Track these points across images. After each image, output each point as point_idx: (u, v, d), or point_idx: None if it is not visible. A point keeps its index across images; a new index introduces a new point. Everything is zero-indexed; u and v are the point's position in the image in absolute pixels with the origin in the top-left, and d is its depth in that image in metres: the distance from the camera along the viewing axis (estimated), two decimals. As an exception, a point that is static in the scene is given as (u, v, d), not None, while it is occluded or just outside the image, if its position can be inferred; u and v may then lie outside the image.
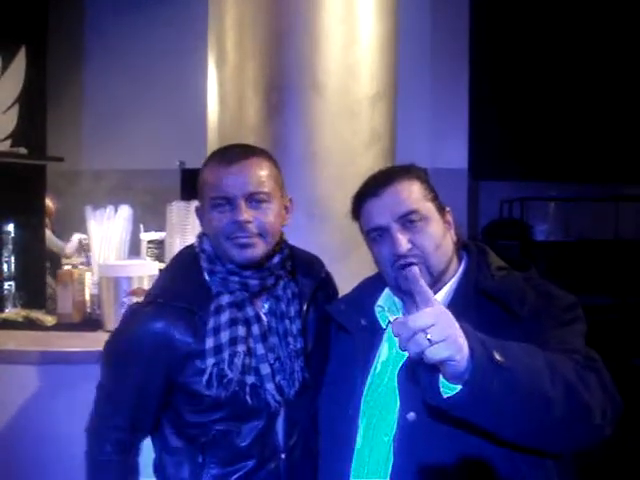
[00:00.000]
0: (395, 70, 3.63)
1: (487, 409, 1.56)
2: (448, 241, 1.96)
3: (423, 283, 1.63)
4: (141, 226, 4.03)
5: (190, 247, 2.18)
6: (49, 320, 3.31)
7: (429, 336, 1.45)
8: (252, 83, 3.42)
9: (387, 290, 2.06)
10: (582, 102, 8.36)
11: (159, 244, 4.01)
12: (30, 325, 3.33)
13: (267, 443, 2.04)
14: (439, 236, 1.92)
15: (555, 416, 1.59)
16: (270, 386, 2.00)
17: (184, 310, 2.00)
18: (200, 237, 2.12)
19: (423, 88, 7.78)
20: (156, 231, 4.07)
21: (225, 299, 2.01)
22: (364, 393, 1.93)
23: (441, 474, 1.78)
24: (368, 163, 3.40)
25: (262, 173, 1.99)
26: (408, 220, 1.89)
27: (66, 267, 3.63)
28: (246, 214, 1.94)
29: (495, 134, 8.18)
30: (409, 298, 1.94)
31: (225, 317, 1.98)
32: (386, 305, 2.03)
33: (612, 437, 1.72)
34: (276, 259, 2.07)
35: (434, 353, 1.45)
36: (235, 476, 2.02)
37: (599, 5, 8.25)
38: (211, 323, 1.98)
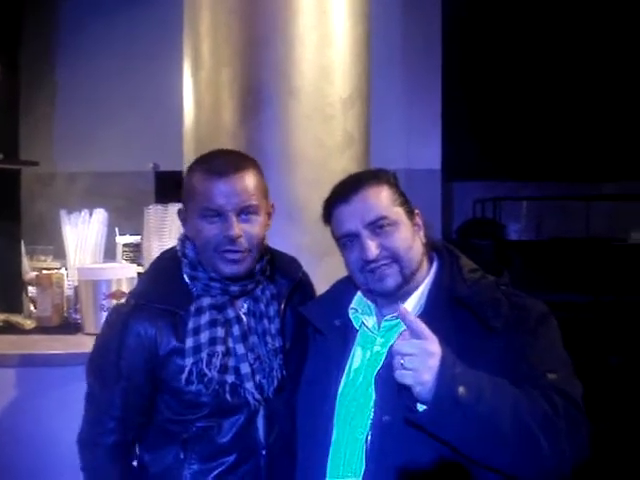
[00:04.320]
0: (369, 73, 3.65)
1: (448, 433, 1.69)
2: (418, 243, 2.00)
3: (413, 318, 1.74)
4: (116, 229, 4.04)
5: (170, 250, 2.21)
6: (28, 324, 3.32)
7: (402, 362, 1.67)
8: (227, 86, 3.44)
9: (360, 292, 2.10)
10: (553, 103, 8.44)
11: (135, 247, 4.02)
12: (10, 329, 3.33)
13: (247, 439, 2.08)
14: (409, 239, 1.96)
15: (506, 456, 1.71)
16: (250, 385, 2.05)
17: (165, 311, 2.04)
18: (182, 241, 2.14)
19: (396, 90, 7.82)
20: (131, 234, 4.08)
21: (206, 301, 2.06)
22: (339, 392, 1.98)
23: (413, 476, 1.82)
24: (343, 165, 3.43)
25: (252, 186, 2.02)
26: (377, 226, 1.94)
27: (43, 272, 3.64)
28: (237, 229, 1.98)
29: (468, 135, 8.24)
30: (379, 299, 2.01)
31: (205, 318, 2.03)
32: (359, 307, 2.07)
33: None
34: (258, 267, 2.11)
35: (400, 376, 1.68)
36: (216, 472, 2.06)
37: (569, 6, 8.33)
38: (191, 324, 2.03)
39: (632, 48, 8.27)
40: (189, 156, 3.69)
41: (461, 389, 1.65)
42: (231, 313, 2.08)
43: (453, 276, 1.98)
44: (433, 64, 8.14)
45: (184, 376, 2.01)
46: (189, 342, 2.02)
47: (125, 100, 8.03)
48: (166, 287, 2.11)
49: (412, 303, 1.97)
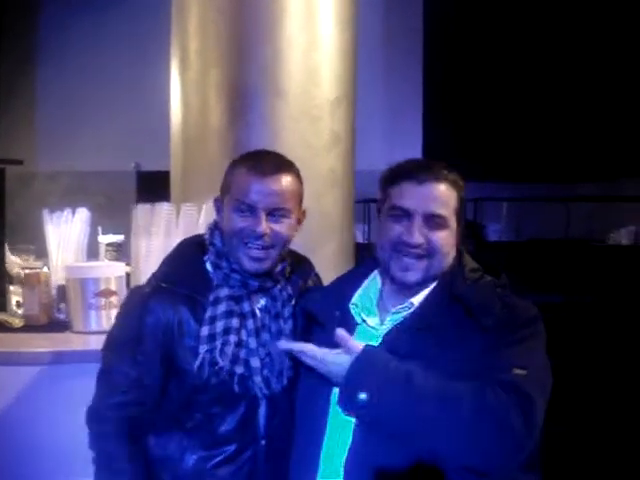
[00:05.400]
0: (355, 75, 3.70)
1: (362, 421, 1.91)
2: (453, 252, 2.07)
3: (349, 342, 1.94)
4: (99, 229, 4.05)
5: (197, 237, 2.30)
6: (16, 322, 3.33)
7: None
8: (215, 88, 3.48)
9: (363, 287, 2.15)
10: (533, 104, 8.50)
11: (118, 247, 4.03)
12: (-3, 327, 3.34)
13: (248, 430, 2.16)
14: (451, 244, 2.04)
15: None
16: (258, 379, 2.13)
17: (185, 296, 2.12)
18: (212, 229, 2.22)
19: (378, 90, 7.88)
20: (113, 234, 4.10)
21: (224, 292, 2.14)
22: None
23: (393, 464, 1.89)
24: (329, 165, 3.49)
25: (287, 189, 2.12)
26: (434, 220, 1.99)
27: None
28: (265, 225, 2.08)
29: (448, 136, 8.29)
30: (386, 290, 2.07)
31: (222, 308, 2.11)
32: (360, 303, 2.11)
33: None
34: (279, 267, 2.20)
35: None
36: (217, 459, 2.15)
37: (548, 6, 8.40)
38: (208, 312, 2.11)
39: (609, 50, 8.35)
40: (177, 156, 3.72)
41: (363, 395, 1.82)
42: (247, 307, 2.16)
43: (454, 274, 2.06)
44: (414, 65, 8.20)
45: (197, 363, 2.09)
46: (205, 330, 2.10)
47: (107, 100, 8.02)
48: (187, 273, 2.19)
49: (422, 297, 2.05)
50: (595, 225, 8.96)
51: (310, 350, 1.96)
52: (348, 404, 1.86)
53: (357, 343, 1.94)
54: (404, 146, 7.85)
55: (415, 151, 7.93)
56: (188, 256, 2.24)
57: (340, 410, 1.91)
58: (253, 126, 3.41)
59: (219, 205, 2.21)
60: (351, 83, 3.66)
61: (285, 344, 2.04)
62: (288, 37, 3.42)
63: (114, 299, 3.18)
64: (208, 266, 2.19)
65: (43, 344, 3.04)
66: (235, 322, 2.11)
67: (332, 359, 1.92)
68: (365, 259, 2.27)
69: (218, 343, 2.08)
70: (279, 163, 2.17)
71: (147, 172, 8.11)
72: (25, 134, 8.22)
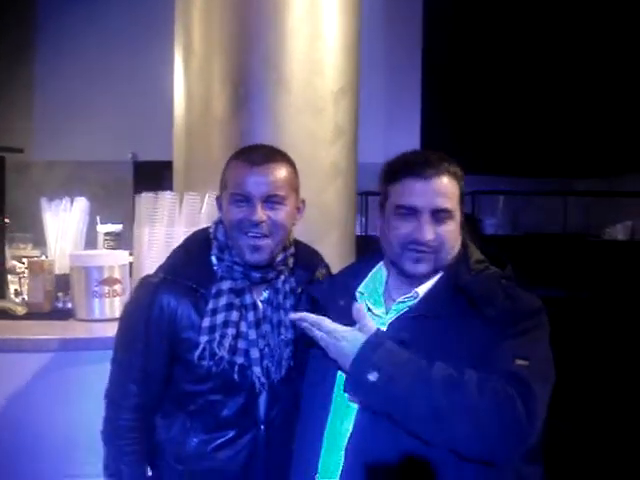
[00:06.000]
0: (358, 67, 3.70)
1: (366, 404, 1.90)
2: (459, 242, 2.08)
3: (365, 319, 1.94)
4: (98, 218, 4.06)
5: (204, 230, 2.35)
6: (20, 310, 3.33)
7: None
8: (219, 77, 3.48)
9: (370, 277, 2.16)
10: (531, 98, 8.52)
11: (116, 236, 4.04)
12: (1, 314, 3.34)
13: (248, 415, 2.23)
14: (456, 237, 2.05)
15: (427, 433, 1.84)
16: (257, 369, 2.20)
17: (190, 288, 2.19)
18: (216, 224, 2.29)
19: (376, 84, 7.88)
20: (112, 223, 4.10)
21: (226, 284, 2.20)
22: (339, 371, 2.04)
23: (396, 441, 1.90)
24: (332, 157, 3.50)
25: (280, 177, 2.17)
26: (441, 215, 1.99)
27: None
28: (261, 213, 2.13)
29: (446, 129, 8.31)
30: (391, 281, 2.09)
31: (223, 301, 2.18)
32: (366, 291, 2.13)
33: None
34: (280, 257, 2.25)
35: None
36: (217, 442, 2.22)
37: (547, 2, 8.41)
38: (210, 305, 2.18)
39: (608, 47, 8.37)
40: (179, 145, 3.72)
41: (373, 374, 1.81)
42: (248, 299, 2.21)
43: (459, 265, 2.06)
44: (413, 59, 8.21)
45: (197, 353, 2.15)
46: (205, 322, 2.16)
47: (105, 89, 8.01)
48: (193, 266, 2.25)
49: (427, 287, 2.05)
50: (592, 220, 8.99)
51: (325, 325, 1.96)
52: (356, 385, 1.85)
53: (372, 322, 1.95)
54: (402, 139, 7.87)
55: (413, 144, 7.93)
56: (194, 249, 2.30)
57: (346, 394, 1.91)
58: (256, 116, 3.42)
59: (220, 202, 2.27)
60: (355, 74, 3.67)
61: (299, 315, 2.02)
62: (291, 26, 3.43)
63: (118, 287, 3.20)
64: (213, 259, 2.24)
65: (47, 331, 3.05)
66: (235, 315, 2.18)
67: (344, 335, 1.92)
68: (369, 252, 2.27)
69: (217, 335, 2.15)
70: (270, 153, 2.22)
71: (144, 162, 8.12)
72: (23, 123, 8.21)
